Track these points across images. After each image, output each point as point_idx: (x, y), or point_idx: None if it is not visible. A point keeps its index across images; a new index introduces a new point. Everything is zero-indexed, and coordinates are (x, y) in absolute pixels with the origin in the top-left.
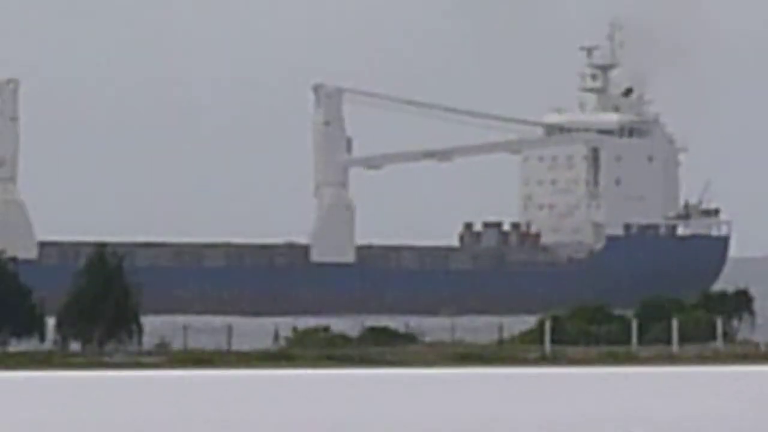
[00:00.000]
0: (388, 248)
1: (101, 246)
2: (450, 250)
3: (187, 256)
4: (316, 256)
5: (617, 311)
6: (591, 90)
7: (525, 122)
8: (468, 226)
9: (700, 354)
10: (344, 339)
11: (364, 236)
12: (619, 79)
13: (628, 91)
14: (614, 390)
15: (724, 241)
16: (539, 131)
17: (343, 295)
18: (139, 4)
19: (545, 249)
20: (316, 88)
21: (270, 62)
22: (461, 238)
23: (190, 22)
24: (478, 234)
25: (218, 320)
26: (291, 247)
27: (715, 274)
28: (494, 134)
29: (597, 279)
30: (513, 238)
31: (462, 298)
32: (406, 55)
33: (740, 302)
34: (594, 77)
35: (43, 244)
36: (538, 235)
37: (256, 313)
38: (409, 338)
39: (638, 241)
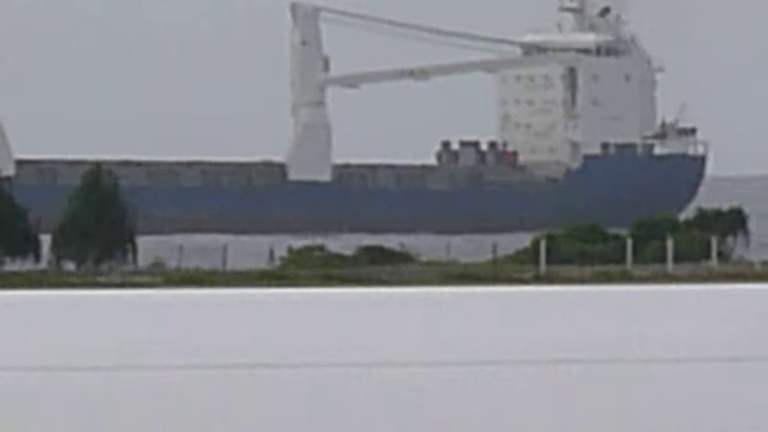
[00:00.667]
0: (365, 167)
1: (97, 165)
2: (427, 168)
3: (162, 175)
4: (293, 175)
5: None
6: (568, 10)
7: (503, 41)
8: (445, 145)
9: (695, 273)
10: (339, 258)
11: (341, 155)
12: None
13: (605, 11)
14: (609, 309)
15: (701, 160)
16: (517, 51)
17: (320, 214)
18: None
19: (522, 168)
20: (293, 7)
21: None
22: (438, 157)
23: None
24: (456, 153)
25: (212, 239)
26: (268, 165)
27: (692, 193)
28: (472, 53)
29: (574, 198)
30: (490, 158)
31: (439, 217)
32: None
33: (735, 221)
34: None
35: (20, 162)
36: (515, 154)
37: (233, 232)
38: (404, 257)
39: (615, 160)
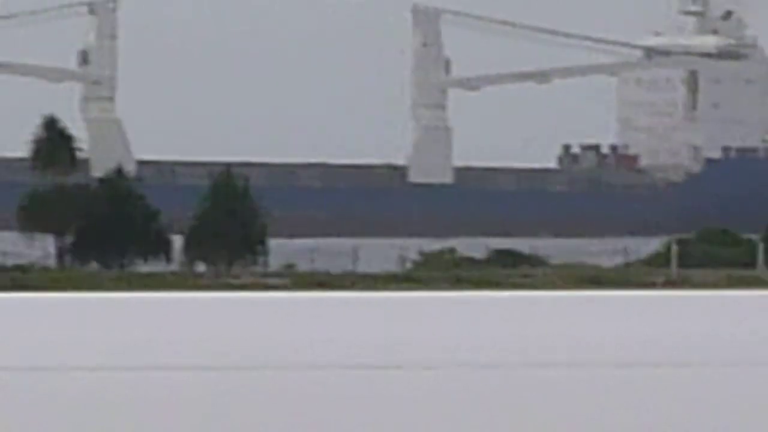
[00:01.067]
0: (486, 170)
1: (228, 167)
2: (548, 171)
3: (282, 176)
4: (413, 177)
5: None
6: (690, 13)
7: (624, 44)
8: (566, 148)
9: None
10: (470, 261)
11: (462, 158)
12: (718, 1)
13: (728, 14)
14: (741, 313)
15: None
16: (638, 54)
17: (441, 217)
18: None
19: (642, 171)
20: (414, 9)
21: None
22: (559, 160)
23: None
24: (576, 156)
25: (343, 242)
26: (389, 167)
27: None
28: (593, 56)
29: (695, 202)
30: (611, 161)
31: (560, 220)
32: None
33: None
34: (693, 0)
35: (141, 163)
36: (635, 158)
37: (354, 235)
38: (535, 260)
39: (737, 163)
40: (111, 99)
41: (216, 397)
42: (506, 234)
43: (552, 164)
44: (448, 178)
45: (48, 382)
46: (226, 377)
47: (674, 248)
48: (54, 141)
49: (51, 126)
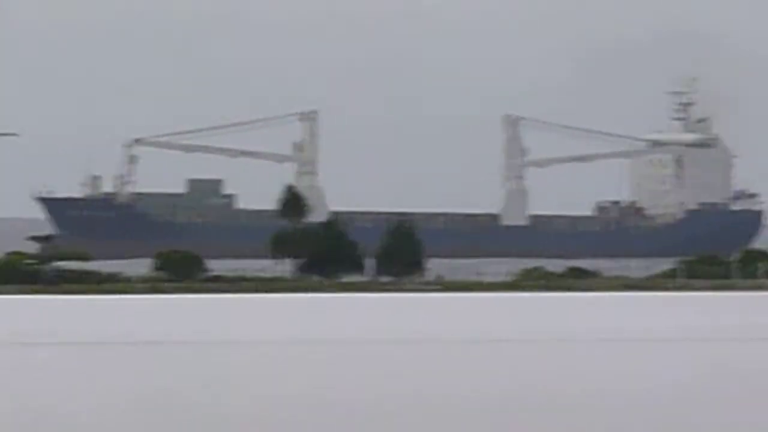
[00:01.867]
0: (549, 216)
1: (400, 215)
2: (587, 218)
3: (429, 221)
4: (504, 221)
5: None
6: (678, 119)
7: (635, 138)
8: (598, 203)
9: None
10: (551, 274)
11: (533, 209)
12: (696, 111)
13: (702, 120)
14: None
15: (759, 214)
16: (644, 144)
17: (521, 248)
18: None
19: (648, 217)
20: (504, 118)
21: (469, 97)
22: (594, 211)
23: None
24: (605, 208)
25: (467, 262)
26: (491, 215)
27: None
28: (616, 146)
29: (680, 237)
30: (627, 211)
31: (595, 250)
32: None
33: None
34: (679, 111)
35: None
36: (642, 209)
37: (474, 256)
38: (592, 274)
39: (708, 213)
40: (314, 173)
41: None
42: (566, 257)
43: (589, 213)
44: (524, 222)
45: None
46: (399, 348)
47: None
48: (291, 199)
49: (289, 190)
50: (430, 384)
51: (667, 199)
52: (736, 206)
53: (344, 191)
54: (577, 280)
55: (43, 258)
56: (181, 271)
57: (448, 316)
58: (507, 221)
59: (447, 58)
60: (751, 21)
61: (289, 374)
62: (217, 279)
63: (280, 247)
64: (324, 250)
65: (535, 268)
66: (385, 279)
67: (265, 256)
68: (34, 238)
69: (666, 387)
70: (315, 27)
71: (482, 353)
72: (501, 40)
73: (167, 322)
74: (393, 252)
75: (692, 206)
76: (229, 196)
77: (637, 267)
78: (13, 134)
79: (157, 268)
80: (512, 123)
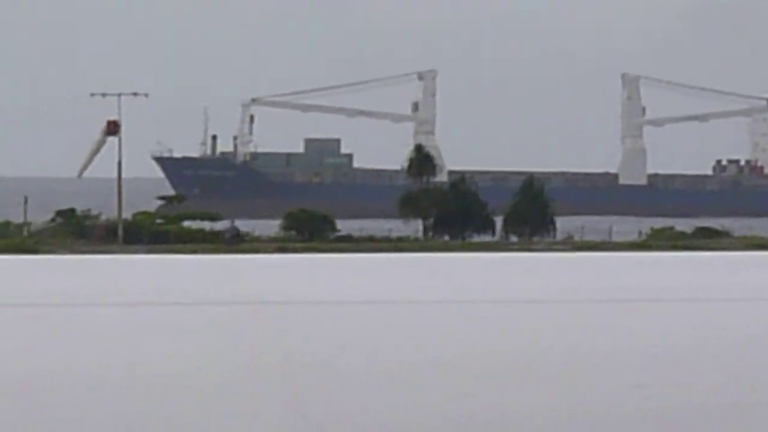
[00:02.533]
0: (667, 175)
1: (530, 175)
2: (706, 176)
3: (549, 180)
4: (622, 180)
5: None
6: None
7: (756, 97)
8: (718, 161)
9: None
10: (682, 234)
11: (651, 168)
12: None
13: None
14: None
15: None
16: (764, 103)
17: (638, 206)
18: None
19: (765, 177)
20: (623, 76)
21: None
22: (713, 169)
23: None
24: (724, 166)
25: (600, 220)
26: (609, 174)
27: None
28: (734, 105)
29: None
30: (746, 170)
31: (715, 208)
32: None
33: None
34: None
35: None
36: (762, 168)
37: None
38: (721, 233)
39: None
40: (432, 133)
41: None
42: (685, 216)
43: (708, 171)
44: (643, 181)
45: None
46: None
47: None
48: (421, 159)
49: (419, 150)
50: (558, 343)
51: None
52: None
53: (462, 151)
54: (709, 240)
55: (172, 218)
56: (309, 232)
57: (578, 276)
58: (625, 180)
59: (563, 18)
60: None
61: (422, 336)
62: (346, 239)
63: (408, 207)
64: (452, 210)
65: (665, 228)
66: (513, 239)
67: (385, 216)
68: (163, 198)
69: None
70: None
71: (617, 312)
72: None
73: (299, 281)
74: (522, 211)
75: None
76: (348, 156)
77: (762, 226)
78: (145, 95)
79: (286, 228)
80: (631, 82)
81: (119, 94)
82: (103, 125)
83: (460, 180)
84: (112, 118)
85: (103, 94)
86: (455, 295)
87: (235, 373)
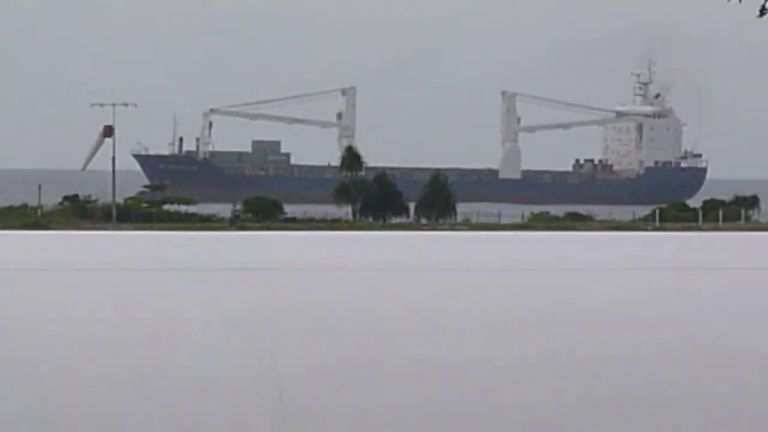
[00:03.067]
0: (538, 171)
1: (435, 170)
2: (564, 173)
3: (456, 175)
4: (502, 175)
5: None
6: (638, 95)
7: (606, 110)
8: (577, 160)
9: None
10: None
11: (525, 165)
12: (653, 89)
13: (657, 95)
14: None
15: (704, 171)
16: (613, 114)
17: (508, 195)
18: None
19: (615, 173)
20: (503, 93)
21: (474, 75)
22: (573, 167)
23: None
24: (582, 165)
25: (490, 206)
26: (490, 171)
27: (697, 189)
28: (591, 116)
29: (640, 189)
30: (599, 168)
31: (574, 198)
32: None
33: None
34: (640, 89)
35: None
36: (612, 166)
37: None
38: None
39: (661, 170)
40: (353, 137)
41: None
42: (551, 203)
43: (569, 168)
44: (518, 176)
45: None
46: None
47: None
48: (351, 157)
49: (349, 150)
50: (450, 302)
51: (629, 158)
52: (684, 164)
53: (377, 152)
54: (579, 222)
55: (156, 203)
56: (263, 213)
57: (474, 250)
58: (504, 175)
59: (460, 48)
60: (701, 14)
61: (342, 294)
62: (292, 220)
63: (341, 195)
64: (376, 198)
65: (542, 213)
66: (423, 221)
67: (316, 202)
68: (147, 187)
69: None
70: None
71: (505, 280)
72: (499, 33)
73: (253, 253)
74: (430, 199)
75: (649, 164)
76: (286, 155)
77: (615, 212)
78: (134, 105)
79: (245, 211)
80: (509, 97)
81: (113, 104)
82: (101, 129)
83: (381, 174)
84: (108, 123)
85: (101, 104)
86: (379, 264)
87: (209, 322)
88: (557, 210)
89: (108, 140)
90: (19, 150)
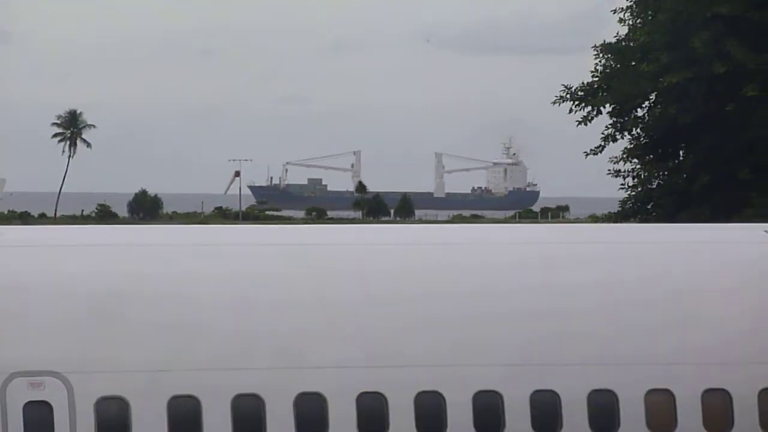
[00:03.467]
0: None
1: (403, 193)
2: (465, 195)
3: None
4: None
5: None
6: (504, 153)
7: (483, 161)
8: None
9: None
10: None
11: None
12: (512, 151)
13: (514, 154)
14: None
15: (536, 194)
16: (489, 164)
17: None
18: None
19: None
20: (436, 155)
21: None
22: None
23: None
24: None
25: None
26: (427, 194)
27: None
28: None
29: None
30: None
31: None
32: None
33: None
34: (505, 151)
35: None
36: (490, 191)
37: None
38: None
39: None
40: (359, 176)
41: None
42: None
43: (470, 191)
44: (444, 195)
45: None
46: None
47: None
48: (360, 187)
49: (360, 183)
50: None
51: (500, 186)
52: (528, 189)
53: (372, 183)
54: (474, 220)
55: (261, 210)
56: (316, 215)
57: (416, 231)
58: (436, 195)
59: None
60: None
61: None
62: (330, 219)
63: (356, 206)
64: (374, 208)
65: (457, 215)
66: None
67: (344, 210)
68: (256, 203)
69: None
70: None
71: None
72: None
73: (316, 232)
74: (402, 208)
75: (510, 189)
76: (325, 185)
77: (497, 215)
78: (249, 160)
79: (307, 216)
80: (438, 155)
81: (239, 160)
82: (233, 172)
83: (376, 195)
84: (237, 169)
85: (234, 160)
86: (377, 239)
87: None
88: (465, 213)
89: (237, 178)
90: (188, 180)
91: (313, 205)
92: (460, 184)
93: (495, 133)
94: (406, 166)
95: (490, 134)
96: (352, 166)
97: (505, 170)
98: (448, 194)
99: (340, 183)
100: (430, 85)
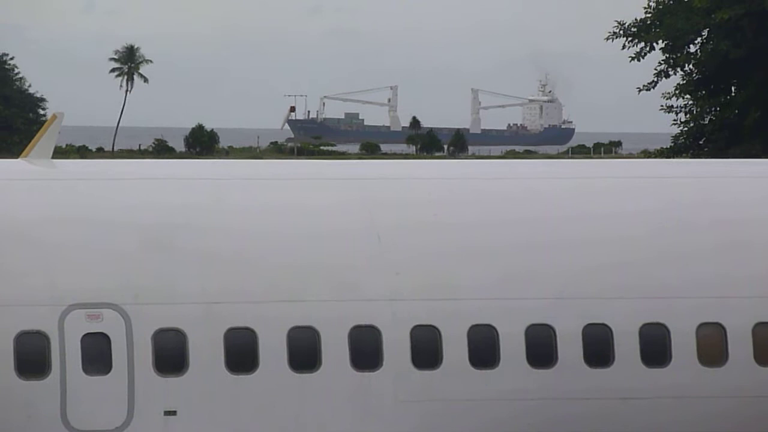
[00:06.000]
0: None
1: (454, 129)
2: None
3: None
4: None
5: None
6: (540, 90)
7: (521, 97)
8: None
9: None
10: None
11: None
12: (547, 88)
13: (549, 91)
14: None
15: (571, 131)
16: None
17: None
18: None
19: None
20: (472, 90)
21: None
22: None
23: None
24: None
25: None
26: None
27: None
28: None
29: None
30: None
31: None
32: None
33: None
34: (541, 88)
35: None
36: (525, 127)
37: None
38: None
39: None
40: (396, 111)
41: None
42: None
43: (505, 128)
44: (479, 131)
45: None
46: None
47: None
48: (413, 122)
49: (397, 119)
50: None
51: (535, 123)
52: (563, 126)
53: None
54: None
55: (303, 143)
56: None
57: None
58: (473, 131)
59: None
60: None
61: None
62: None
63: (409, 141)
64: (426, 142)
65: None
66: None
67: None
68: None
69: None
70: None
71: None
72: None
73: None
74: (455, 143)
75: (546, 126)
76: (362, 119)
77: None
78: (305, 95)
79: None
80: (475, 91)
81: (293, 95)
82: (288, 107)
83: (429, 130)
84: (292, 104)
85: (289, 95)
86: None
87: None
88: (500, 150)
89: (292, 113)
90: (250, 115)
91: (352, 138)
92: (495, 120)
93: (534, 67)
94: (441, 101)
95: (529, 67)
96: (389, 100)
97: (541, 107)
98: (483, 130)
99: (377, 117)
100: (471, 11)
